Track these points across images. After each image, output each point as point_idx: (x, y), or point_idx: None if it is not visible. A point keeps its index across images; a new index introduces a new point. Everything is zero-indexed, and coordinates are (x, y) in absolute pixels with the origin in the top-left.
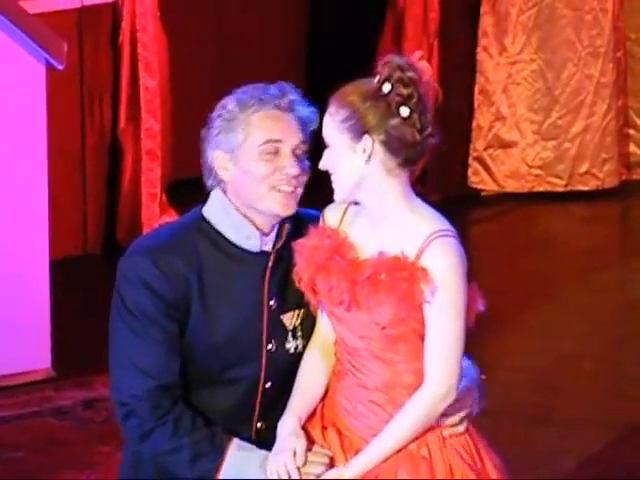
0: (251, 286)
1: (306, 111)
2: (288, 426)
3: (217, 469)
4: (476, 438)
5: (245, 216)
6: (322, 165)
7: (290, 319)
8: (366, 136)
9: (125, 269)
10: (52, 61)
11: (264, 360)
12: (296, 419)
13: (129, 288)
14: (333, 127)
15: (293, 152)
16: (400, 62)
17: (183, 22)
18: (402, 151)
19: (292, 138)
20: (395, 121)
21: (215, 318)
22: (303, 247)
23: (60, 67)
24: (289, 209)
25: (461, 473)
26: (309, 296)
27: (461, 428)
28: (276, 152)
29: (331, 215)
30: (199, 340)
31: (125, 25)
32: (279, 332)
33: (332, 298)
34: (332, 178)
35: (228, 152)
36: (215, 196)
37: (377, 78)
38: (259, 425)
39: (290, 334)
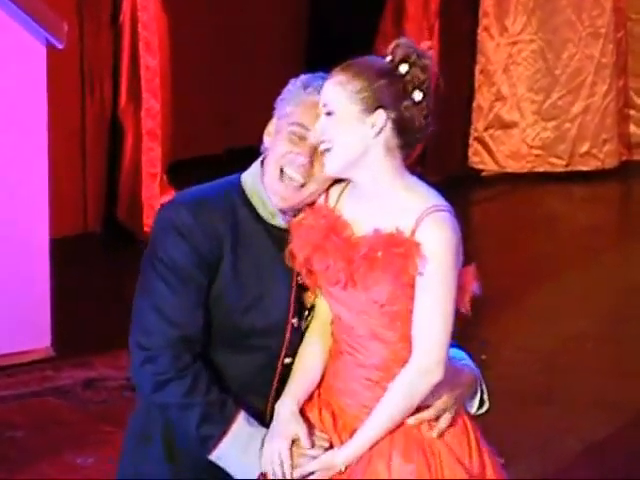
0: (280, 258)
1: None
2: (286, 409)
3: (220, 437)
4: (470, 432)
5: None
6: (319, 134)
7: (309, 298)
8: (380, 111)
9: (164, 217)
10: (52, 40)
11: (288, 334)
12: (295, 402)
13: (165, 236)
14: (344, 96)
15: (315, 145)
16: (415, 47)
17: (183, 2)
18: (407, 133)
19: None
20: (408, 102)
21: (244, 281)
22: (299, 226)
23: (60, 46)
24: (286, 201)
25: (450, 469)
26: (304, 276)
27: (442, 424)
28: (301, 138)
29: (332, 193)
30: (226, 299)
31: (125, 4)
32: (302, 309)
33: (329, 277)
34: (327, 149)
35: (276, 119)
36: (255, 164)
37: (390, 58)
38: (275, 403)
39: (306, 312)
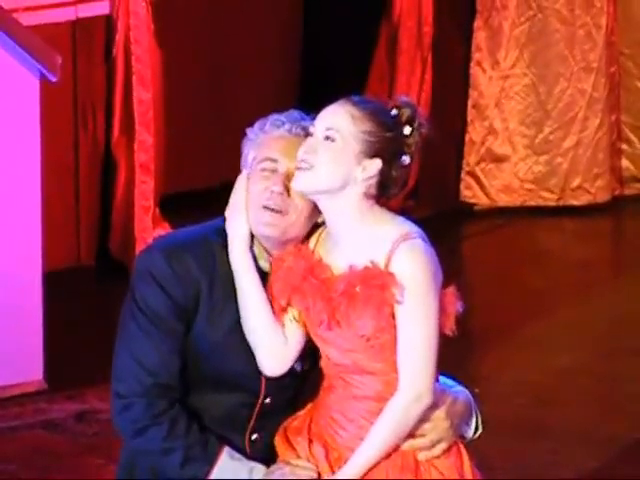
0: None
1: None
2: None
3: (206, 475)
4: (465, 460)
5: (258, 239)
6: (309, 155)
7: None
8: (378, 160)
9: (140, 264)
10: (46, 73)
11: (264, 377)
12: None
13: (141, 283)
14: (352, 131)
15: (287, 173)
16: (419, 112)
17: (177, 35)
18: (387, 189)
19: (290, 160)
20: (399, 163)
21: (219, 323)
22: (278, 269)
23: (54, 79)
24: (273, 229)
25: None
26: (280, 316)
27: (436, 452)
28: (273, 171)
29: (311, 239)
30: (203, 345)
31: (119, 38)
32: None
33: (311, 319)
34: (307, 168)
35: (245, 169)
36: None
37: (395, 112)
38: (253, 437)
39: None
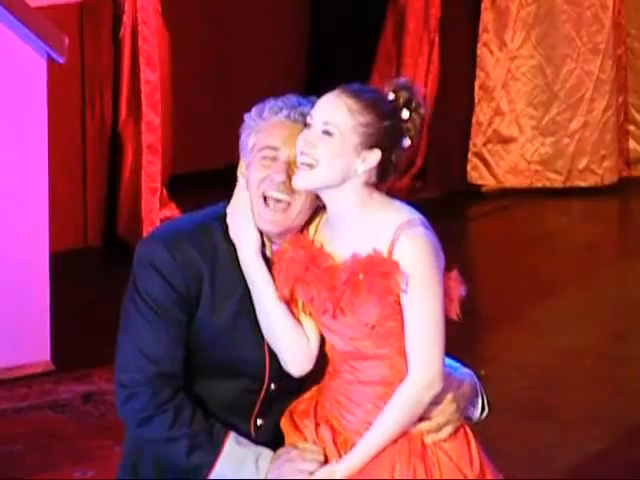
0: None
1: None
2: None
3: (213, 462)
4: (472, 442)
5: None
6: (302, 145)
7: None
8: (377, 150)
9: (141, 253)
10: (53, 54)
11: (267, 362)
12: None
13: (142, 272)
14: (350, 124)
15: (288, 161)
16: (416, 93)
17: (184, 17)
18: (388, 174)
19: (291, 148)
20: (399, 147)
21: (221, 310)
22: (280, 260)
23: (61, 60)
24: (276, 225)
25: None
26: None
27: (443, 434)
28: (273, 159)
29: (310, 226)
30: (206, 333)
31: (126, 19)
32: None
33: (316, 308)
34: (308, 164)
35: (243, 156)
36: (236, 195)
37: (392, 97)
38: (259, 422)
39: None
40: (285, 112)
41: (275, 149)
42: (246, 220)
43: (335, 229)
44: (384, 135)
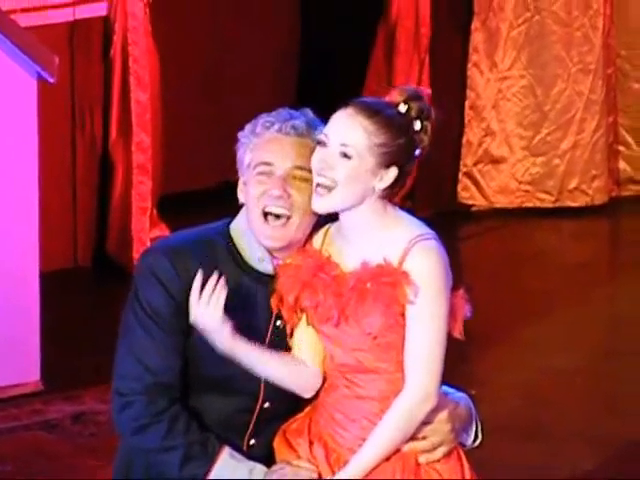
0: (261, 304)
1: (313, 136)
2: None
3: (206, 474)
4: (464, 463)
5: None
6: (326, 171)
7: (292, 344)
8: (394, 168)
9: (143, 264)
10: (43, 74)
11: (263, 380)
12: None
13: (144, 282)
14: (367, 145)
15: (284, 176)
16: (427, 101)
17: (175, 36)
18: (401, 184)
19: (286, 161)
20: (413, 159)
21: None
22: (286, 267)
23: (51, 80)
24: (277, 241)
25: None
26: (291, 317)
27: (437, 455)
28: (269, 174)
29: (315, 239)
30: (203, 347)
31: (116, 39)
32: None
33: (320, 315)
34: (326, 186)
35: (241, 174)
36: (241, 214)
37: (404, 108)
38: (251, 442)
39: None
40: (277, 126)
41: (270, 164)
42: (206, 306)
43: (347, 240)
44: (400, 152)
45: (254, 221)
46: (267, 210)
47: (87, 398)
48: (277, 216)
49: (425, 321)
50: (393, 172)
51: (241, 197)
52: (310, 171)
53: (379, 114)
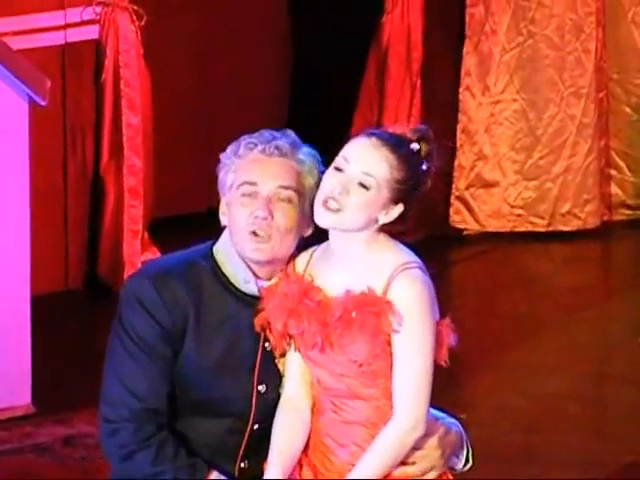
0: (248, 325)
1: (296, 156)
2: None
3: None
4: None
5: (245, 262)
6: (342, 196)
7: (281, 364)
8: (401, 205)
9: (128, 289)
10: (35, 97)
11: (254, 401)
12: (282, 473)
13: (128, 309)
14: (386, 179)
15: (268, 196)
16: (435, 143)
17: (166, 60)
18: (402, 221)
19: (269, 182)
20: (416, 198)
21: (208, 348)
22: (272, 295)
23: (43, 103)
24: (260, 253)
25: None
26: (279, 343)
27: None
28: (252, 195)
29: (299, 261)
30: (190, 368)
31: (108, 62)
32: (272, 376)
33: (305, 341)
34: (336, 209)
35: (223, 196)
36: (224, 236)
37: (416, 147)
38: (242, 465)
39: (279, 379)
40: (260, 147)
41: (253, 184)
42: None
43: (331, 263)
44: (410, 191)
45: (239, 240)
46: (252, 230)
47: (78, 421)
48: (260, 235)
49: (411, 350)
50: (399, 209)
51: (223, 219)
52: (294, 190)
53: (401, 150)
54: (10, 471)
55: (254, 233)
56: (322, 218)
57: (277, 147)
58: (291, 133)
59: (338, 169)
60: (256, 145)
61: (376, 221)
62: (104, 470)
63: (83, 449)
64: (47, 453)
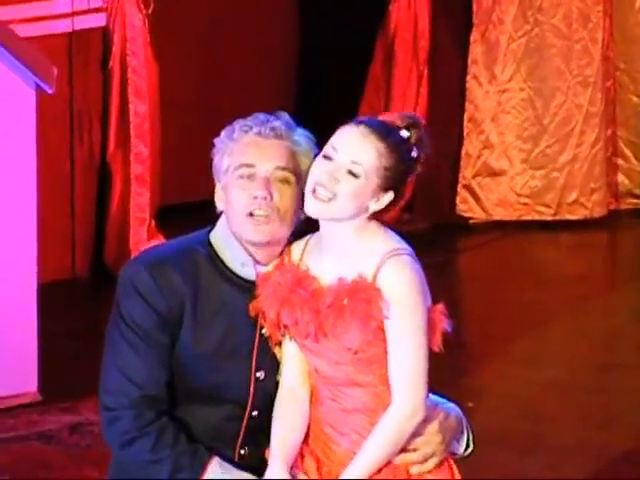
0: (245, 312)
1: (292, 138)
2: (278, 475)
3: None
4: (455, 474)
5: (242, 246)
6: (331, 184)
7: (278, 350)
8: (391, 192)
9: (124, 277)
10: (42, 85)
11: (252, 388)
12: (285, 467)
13: (125, 296)
14: (376, 166)
15: (267, 177)
16: (425, 129)
17: (173, 47)
18: (393, 208)
19: (267, 163)
20: (406, 185)
21: (204, 333)
22: (266, 283)
23: (50, 91)
24: (259, 234)
25: None
26: (274, 332)
27: (428, 466)
28: (250, 177)
29: (295, 249)
30: (188, 354)
31: (115, 49)
32: (270, 362)
33: (299, 331)
34: (326, 198)
35: (219, 180)
36: (221, 222)
37: (406, 134)
38: (242, 452)
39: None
40: (256, 129)
41: (251, 166)
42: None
43: (324, 252)
44: (400, 178)
45: (238, 223)
46: (251, 211)
47: (84, 409)
48: (260, 216)
49: (404, 337)
50: (389, 196)
51: (219, 205)
52: (291, 172)
53: (389, 137)
54: (16, 458)
55: (252, 214)
56: (312, 207)
57: (272, 128)
58: (285, 114)
59: (327, 157)
60: (251, 128)
61: (367, 209)
62: (110, 458)
63: (89, 437)
64: (53, 441)
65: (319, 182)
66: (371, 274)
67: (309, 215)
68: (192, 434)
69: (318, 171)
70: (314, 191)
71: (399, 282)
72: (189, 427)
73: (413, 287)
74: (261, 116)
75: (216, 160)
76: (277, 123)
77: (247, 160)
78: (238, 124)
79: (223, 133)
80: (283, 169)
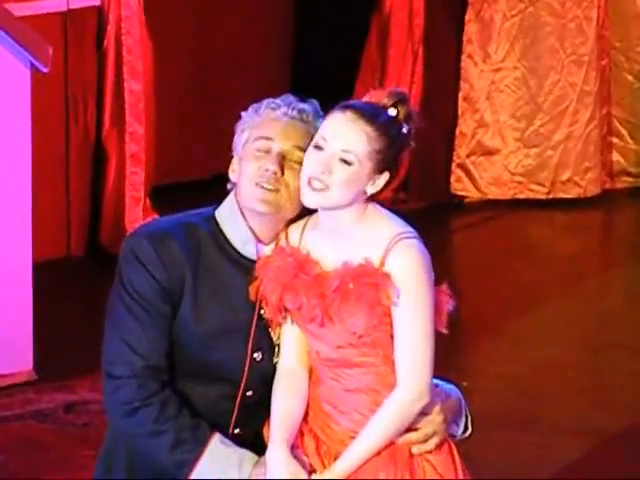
0: (245, 292)
1: (316, 125)
2: (280, 457)
3: (195, 460)
4: (455, 454)
5: (247, 222)
6: (325, 176)
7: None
8: (386, 173)
9: (127, 248)
10: (37, 64)
11: (247, 367)
12: (286, 447)
13: (128, 267)
14: (367, 151)
15: (282, 153)
16: (412, 104)
17: (168, 27)
18: (389, 186)
19: (286, 141)
20: (400, 162)
21: (203, 310)
22: (267, 268)
23: (45, 70)
24: (265, 205)
25: None
26: (275, 316)
27: (430, 445)
28: (267, 151)
29: (293, 232)
30: (186, 332)
31: (110, 29)
32: (268, 343)
33: (303, 315)
34: (321, 189)
35: (237, 153)
36: (228, 198)
37: (394, 112)
38: (236, 431)
39: (277, 348)
40: (284, 109)
41: (269, 139)
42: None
43: (325, 237)
44: (393, 159)
45: (246, 191)
46: (258, 182)
47: (79, 388)
48: (267, 189)
49: (411, 321)
50: (385, 177)
51: (232, 176)
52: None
53: (378, 120)
54: (11, 437)
55: (261, 185)
56: (309, 198)
57: (300, 111)
58: (315, 102)
59: (318, 147)
60: (279, 106)
61: (364, 193)
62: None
63: (85, 415)
64: (48, 419)
65: (313, 175)
66: (378, 259)
67: (307, 206)
68: (193, 409)
69: (310, 162)
70: (309, 182)
71: (409, 265)
72: (186, 404)
73: (421, 271)
74: (292, 98)
75: (238, 131)
76: (305, 107)
77: (266, 133)
78: (267, 101)
79: (251, 108)
80: (301, 149)
